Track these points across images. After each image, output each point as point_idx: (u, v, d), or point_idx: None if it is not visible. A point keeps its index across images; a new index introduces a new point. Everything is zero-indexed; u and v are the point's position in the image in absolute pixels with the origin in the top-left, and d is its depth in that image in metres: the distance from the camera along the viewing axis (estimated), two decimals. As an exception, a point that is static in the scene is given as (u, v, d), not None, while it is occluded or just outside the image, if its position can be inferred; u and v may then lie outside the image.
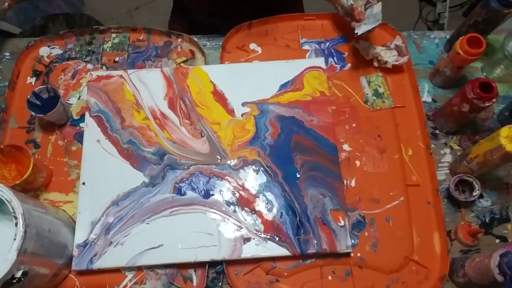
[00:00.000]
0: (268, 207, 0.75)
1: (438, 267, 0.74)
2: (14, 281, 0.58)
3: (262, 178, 0.78)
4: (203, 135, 0.81)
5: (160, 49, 0.93)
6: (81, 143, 0.82)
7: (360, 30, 0.80)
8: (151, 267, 0.75)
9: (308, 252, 0.72)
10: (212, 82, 0.86)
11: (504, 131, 0.67)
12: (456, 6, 1.90)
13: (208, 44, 0.95)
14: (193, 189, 0.77)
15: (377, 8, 0.78)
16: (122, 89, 0.85)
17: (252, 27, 0.94)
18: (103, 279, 0.74)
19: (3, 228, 0.67)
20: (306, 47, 0.93)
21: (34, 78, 0.91)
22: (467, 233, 0.76)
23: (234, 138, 0.81)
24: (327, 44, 0.93)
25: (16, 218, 0.59)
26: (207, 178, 0.78)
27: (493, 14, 0.80)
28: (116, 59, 0.93)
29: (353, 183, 0.80)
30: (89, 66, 0.92)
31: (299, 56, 0.91)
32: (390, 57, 0.87)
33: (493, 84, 0.73)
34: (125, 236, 0.73)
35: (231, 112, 0.83)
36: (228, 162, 0.79)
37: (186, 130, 0.82)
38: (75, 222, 0.75)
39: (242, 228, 0.74)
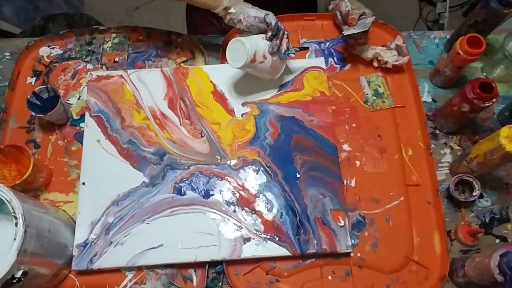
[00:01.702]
0: (268, 207, 0.75)
1: (438, 267, 0.74)
2: (14, 281, 0.58)
3: (262, 178, 0.78)
4: (203, 135, 0.81)
5: (160, 49, 0.93)
6: (81, 143, 0.82)
7: (347, 32, 0.84)
8: (151, 267, 0.75)
9: (308, 252, 0.72)
10: (212, 82, 0.86)
11: (504, 131, 0.67)
12: (456, 6, 1.90)
13: (208, 44, 0.95)
14: (193, 189, 0.77)
15: (369, 20, 0.83)
16: (122, 89, 0.85)
17: (252, 27, 0.94)
18: (103, 279, 0.74)
19: (3, 228, 0.67)
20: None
21: (34, 78, 0.91)
22: (467, 233, 0.76)
23: (234, 138, 0.81)
24: (327, 44, 0.93)
25: (16, 218, 0.59)
26: (207, 178, 0.78)
27: (493, 14, 0.80)
28: (116, 59, 0.93)
29: (353, 183, 0.80)
30: (89, 66, 0.92)
31: (299, 56, 0.90)
32: (390, 57, 0.87)
33: (493, 84, 0.73)
34: (125, 236, 0.73)
35: (231, 112, 0.83)
36: (228, 162, 0.79)
37: (186, 130, 0.82)
38: (75, 222, 0.75)
39: (242, 228, 0.74)
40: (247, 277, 0.74)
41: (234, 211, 0.75)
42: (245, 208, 0.75)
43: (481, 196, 0.80)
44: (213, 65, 0.89)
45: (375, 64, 0.89)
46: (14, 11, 1.57)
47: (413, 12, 1.97)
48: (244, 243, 0.73)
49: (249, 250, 0.72)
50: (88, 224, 0.74)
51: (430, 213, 0.78)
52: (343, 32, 0.85)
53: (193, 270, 0.75)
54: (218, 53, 0.91)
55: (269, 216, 0.75)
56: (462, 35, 0.78)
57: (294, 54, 0.78)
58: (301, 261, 0.75)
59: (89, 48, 0.94)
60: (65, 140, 0.85)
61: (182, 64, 0.92)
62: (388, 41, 0.89)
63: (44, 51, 0.94)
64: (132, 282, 0.74)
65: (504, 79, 0.90)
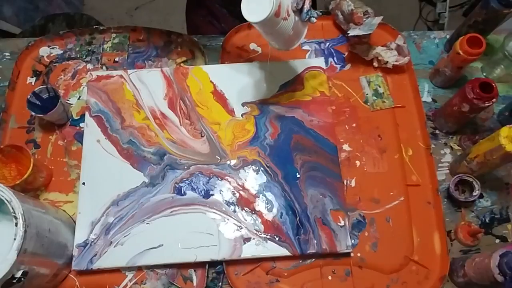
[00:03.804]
0: (268, 207, 0.75)
1: (438, 267, 0.74)
2: (14, 281, 0.58)
3: (262, 178, 0.78)
4: (203, 135, 0.81)
5: (160, 49, 0.93)
6: (81, 143, 0.82)
7: (353, 32, 0.83)
8: (151, 267, 0.75)
9: (308, 252, 0.72)
10: (212, 82, 0.86)
11: (504, 131, 0.67)
12: (456, 6, 1.90)
13: (208, 44, 0.95)
14: (193, 189, 0.77)
15: (376, 20, 0.82)
16: (122, 89, 0.85)
17: (252, 27, 0.94)
18: (103, 279, 0.74)
19: (3, 228, 0.67)
20: (306, 47, 0.93)
21: (34, 78, 0.91)
22: (467, 233, 0.76)
23: (234, 138, 0.81)
24: (327, 44, 0.93)
25: (16, 218, 0.59)
26: (207, 178, 0.78)
27: (493, 14, 0.80)
28: (116, 59, 0.93)
29: (353, 183, 0.80)
30: (89, 66, 0.92)
31: (299, 56, 0.90)
32: (390, 57, 0.87)
33: (493, 84, 0.73)
34: (125, 236, 0.73)
35: (231, 112, 0.83)
36: (228, 162, 0.79)
37: (186, 130, 0.82)
38: (75, 222, 0.75)
39: (242, 228, 0.74)
40: (247, 277, 0.74)
41: (234, 211, 0.75)
42: (245, 208, 0.75)
43: (481, 196, 0.80)
44: (213, 65, 0.89)
45: (375, 64, 0.89)
46: (14, 11, 1.57)
47: (413, 12, 1.97)
48: (244, 243, 0.73)
49: (249, 250, 0.72)
50: (88, 224, 0.74)
51: (430, 213, 0.78)
52: (348, 33, 0.85)
53: (193, 270, 0.75)
54: (218, 53, 0.91)
55: (269, 216, 0.75)
56: (462, 35, 0.78)
57: (316, 19, 0.67)
58: (301, 261, 0.75)
59: (89, 48, 0.94)
60: (65, 140, 0.85)
61: (182, 64, 0.92)
62: (388, 41, 0.89)
63: (44, 51, 0.94)
64: (132, 282, 0.74)
65: (504, 79, 0.90)
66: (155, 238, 0.73)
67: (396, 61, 0.87)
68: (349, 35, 0.85)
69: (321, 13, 0.70)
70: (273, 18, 0.60)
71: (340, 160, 0.80)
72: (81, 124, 0.85)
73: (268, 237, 0.73)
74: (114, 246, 0.72)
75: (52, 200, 0.80)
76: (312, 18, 0.66)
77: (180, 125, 0.82)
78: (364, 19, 0.84)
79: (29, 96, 0.80)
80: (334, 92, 0.88)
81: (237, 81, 0.86)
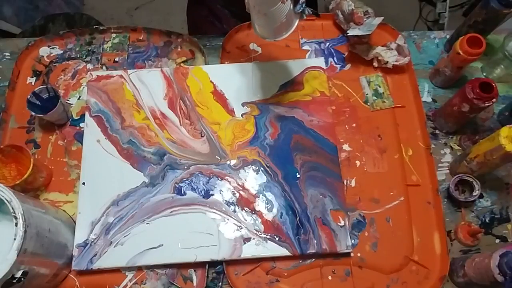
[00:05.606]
0: (268, 207, 0.75)
1: (438, 267, 0.74)
2: (14, 281, 0.58)
3: (262, 178, 0.78)
4: (203, 135, 0.81)
5: (160, 49, 0.93)
6: (81, 143, 0.82)
7: (352, 32, 0.83)
8: (151, 267, 0.74)
9: (308, 252, 0.72)
10: (212, 82, 0.86)
11: (504, 131, 0.67)
12: (456, 6, 1.90)
13: (208, 44, 0.95)
14: (193, 189, 0.77)
15: (377, 20, 0.82)
16: (122, 89, 0.85)
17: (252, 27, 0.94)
18: (103, 279, 0.74)
19: (3, 228, 0.67)
20: (306, 47, 0.93)
21: (34, 78, 0.91)
22: (467, 233, 0.76)
23: (234, 138, 0.81)
24: (327, 44, 0.93)
25: (16, 218, 0.59)
26: (207, 178, 0.78)
27: (493, 14, 0.80)
28: (116, 59, 0.93)
29: (353, 183, 0.80)
30: (89, 66, 0.92)
31: (299, 56, 0.91)
32: (390, 57, 0.87)
33: (493, 84, 0.73)
34: (125, 236, 0.73)
35: (231, 112, 0.83)
36: (228, 162, 0.79)
37: (186, 130, 0.82)
38: (75, 222, 0.75)
39: (242, 228, 0.74)
40: (247, 277, 0.74)
41: (234, 211, 0.75)
42: (245, 208, 0.75)
43: (481, 196, 0.80)
44: (213, 65, 0.89)
45: (375, 64, 0.89)
46: (14, 11, 1.57)
47: (413, 12, 1.97)
48: (244, 243, 0.73)
49: (249, 250, 0.72)
50: (88, 224, 0.74)
51: (430, 213, 0.78)
52: (347, 32, 0.85)
53: (193, 270, 0.75)
54: (218, 53, 0.91)
55: (269, 216, 0.75)
56: (462, 35, 0.78)
57: (306, 16, 0.69)
58: (301, 261, 0.75)
59: (89, 48, 0.94)
60: (65, 140, 0.85)
61: (182, 64, 0.92)
62: (388, 41, 0.89)
63: (44, 51, 0.94)
64: (132, 282, 0.74)
65: (504, 79, 0.90)
66: (155, 238, 0.73)
67: (396, 61, 0.87)
68: (348, 34, 0.85)
69: (311, 12, 0.71)
70: None
71: (340, 160, 0.80)
72: (81, 124, 0.85)
73: (268, 237, 0.73)
74: (114, 246, 0.72)
75: (52, 200, 0.80)
76: (304, 14, 0.67)
77: (180, 125, 0.82)
78: (365, 19, 0.84)
79: (29, 96, 0.80)
80: (334, 92, 0.88)
81: (237, 81, 0.86)
